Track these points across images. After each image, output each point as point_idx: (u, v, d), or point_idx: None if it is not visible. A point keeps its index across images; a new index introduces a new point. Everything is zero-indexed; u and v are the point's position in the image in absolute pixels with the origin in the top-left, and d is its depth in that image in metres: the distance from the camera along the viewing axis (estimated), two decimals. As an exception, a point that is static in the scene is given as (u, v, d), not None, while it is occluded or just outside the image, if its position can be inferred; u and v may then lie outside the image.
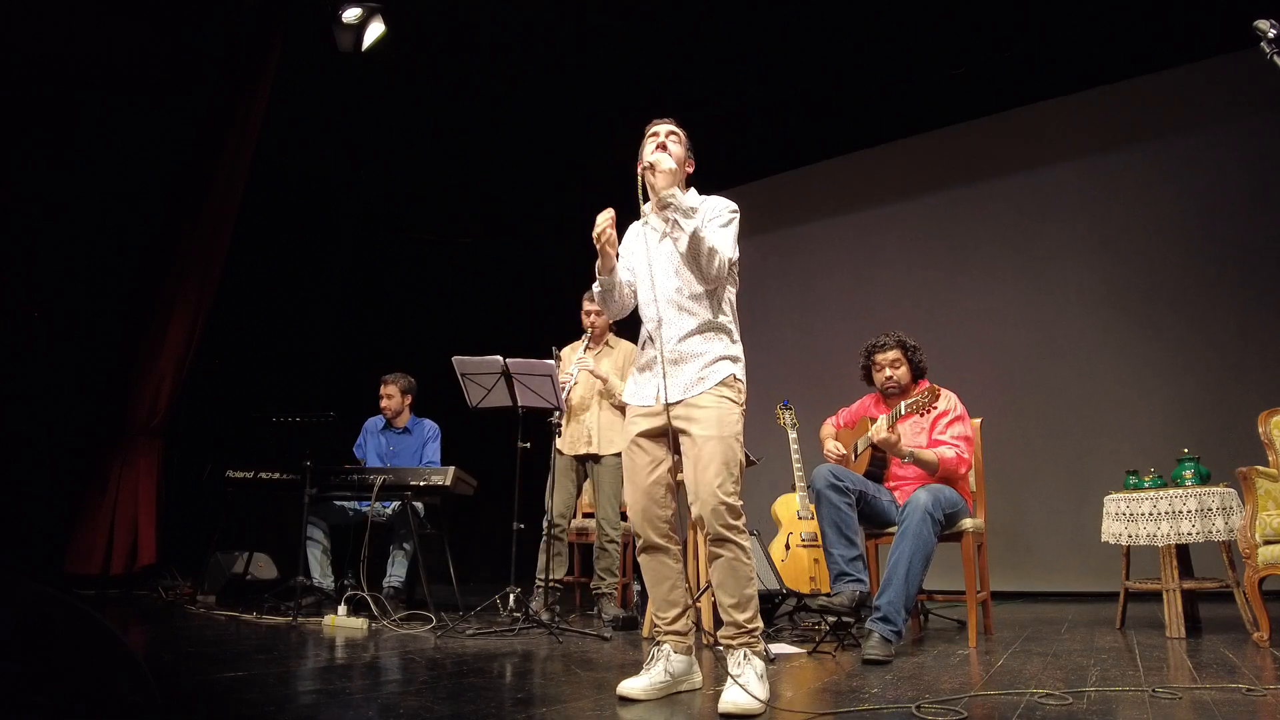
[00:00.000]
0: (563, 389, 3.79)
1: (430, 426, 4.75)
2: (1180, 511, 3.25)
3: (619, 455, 4.04)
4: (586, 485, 4.27)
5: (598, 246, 2.26)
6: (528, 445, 3.80)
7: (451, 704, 1.94)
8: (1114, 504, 3.48)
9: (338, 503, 4.36)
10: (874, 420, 3.21)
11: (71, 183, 5.00)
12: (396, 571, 4.36)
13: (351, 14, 4.92)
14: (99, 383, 4.87)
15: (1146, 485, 3.48)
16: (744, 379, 2.24)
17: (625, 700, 2.04)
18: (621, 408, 4.05)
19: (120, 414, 4.74)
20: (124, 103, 5.17)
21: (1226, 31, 4.63)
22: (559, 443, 4.03)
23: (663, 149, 2.28)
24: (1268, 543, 3.01)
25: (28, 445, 4.61)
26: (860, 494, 3.15)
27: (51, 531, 4.54)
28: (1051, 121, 5.66)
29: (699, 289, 2.23)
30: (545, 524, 3.95)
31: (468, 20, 5.16)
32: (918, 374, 3.47)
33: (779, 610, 3.78)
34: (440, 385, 4.34)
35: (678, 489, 2.27)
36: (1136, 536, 3.34)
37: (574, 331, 4.25)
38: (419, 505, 4.38)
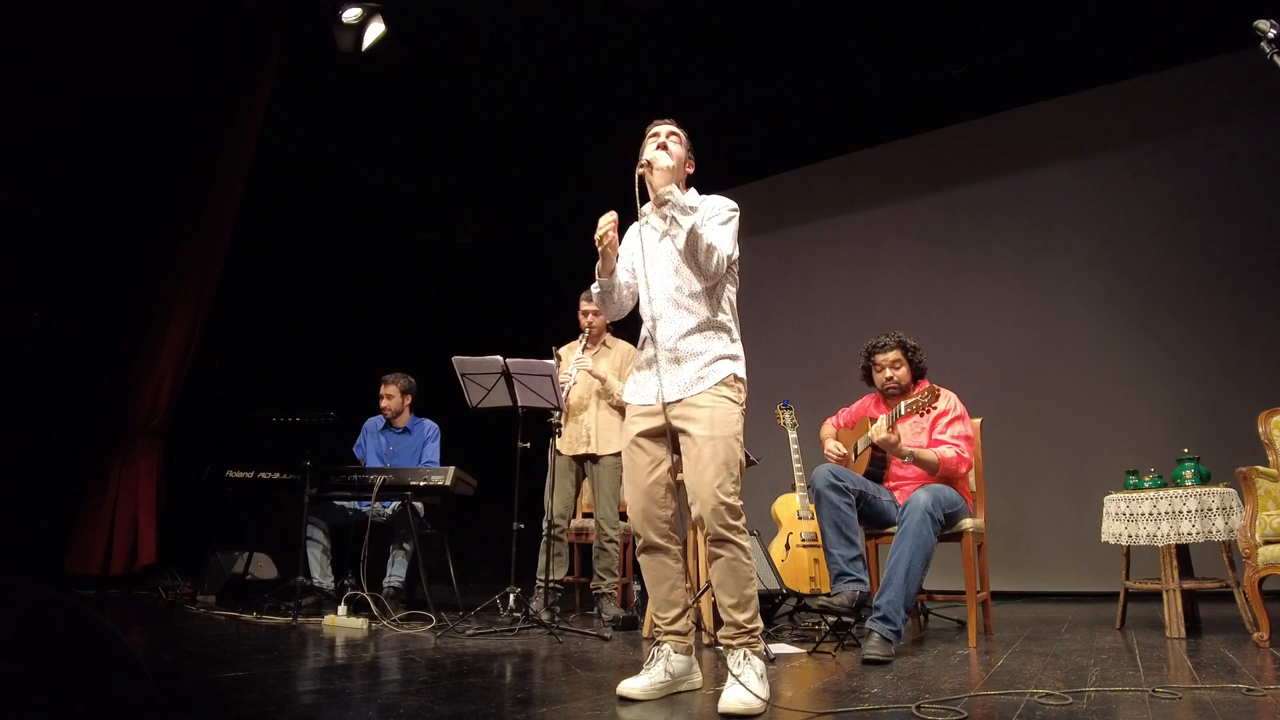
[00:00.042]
0: (562, 389, 3.79)
1: (430, 426, 4.75)
2: (1180, 511, 3.25)
3: (617, 455, 4.05)
4: (585, 485, 4.27)
5: (599, 249, 2.26)
6: (528, 445, 3.80)
7: (451, 704, 1.94)
8: (1114, 504, 3.48)
9: (338, 503, 4.36)
10: (874, 420, 3.21)
11: (71, 183, 5.00)
12: (396, 571, 4.36)
13: (351, 14, 4.92)
14: (99, 383, 4.87)
15: (1146, 485, 3.48)
16: (745, 378, 2.24)
17: (625, 700, 2.04)
18: (619, 408, 4.07)
19: (120, 414, 4.74)
20: (124, 103, 5.17)
21: (1226, 31, 4.63)
22: (558, 443, 4.03)
23: (663, 149, 2.29)
24: (1268, 543, 3.01)
25: (28, 445, 4.61)
26: (860, 494, 3.15)
27: (51, 531, 4.54)
28: (1051, 122, 5.66)
29: (698, 287, 2.23)
30: (545, 524, 3.96)
31: (468, 20, 5.16)
32: (918, 374, 3.47)
33: (779, 610, 3.78)
34: (440, 385, 4.34)
35: (678, 489, 2.27)
36: (1136, 536, 3.34)
37: (574, 331, 4.25)
38: (419, 505, 4.38)
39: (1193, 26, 4.97)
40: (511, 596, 3.63)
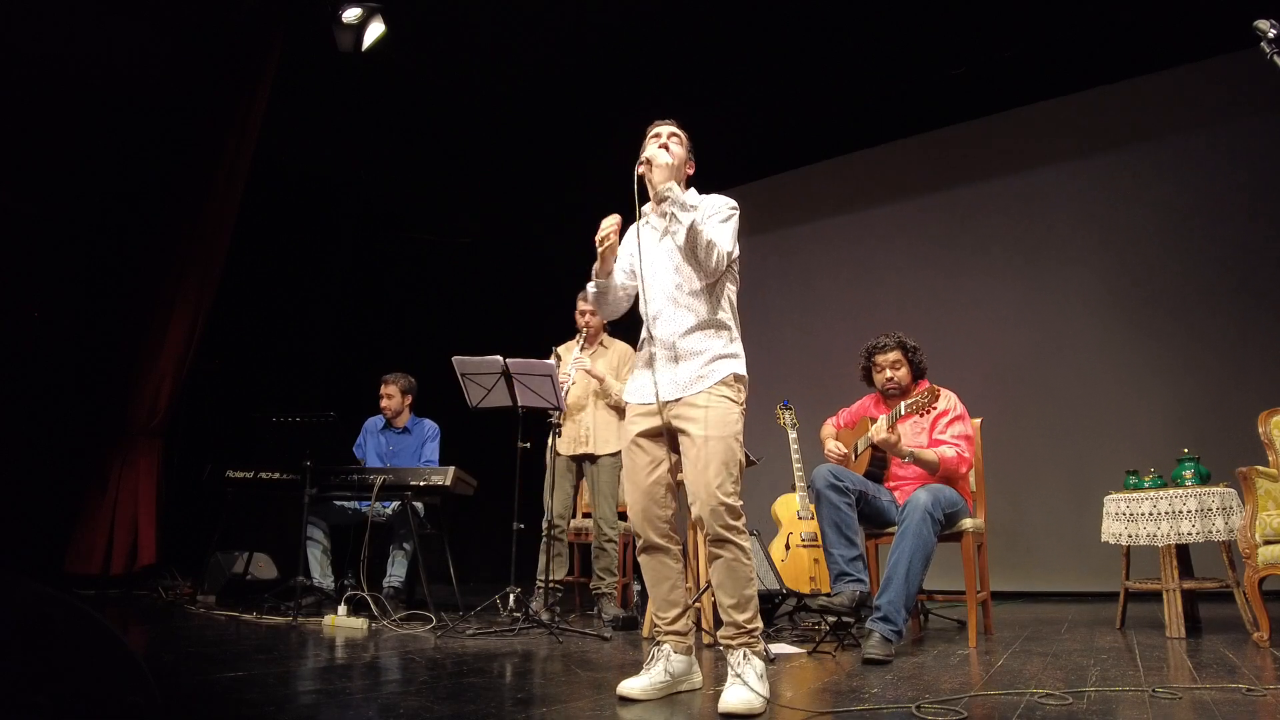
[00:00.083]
0: (561, 388, 3.79)
1: (430, 426, 4.75)
2: (1180, 511, 3.25)
3: (615, 455, 4.06)
4: (584, 485, 4.27)
5: (598, 249, 2.26)
6: (528, 445, 3.80)
7: (451, 704, 1.94)
8: (1114, 504, 3.48)
9: (338, 503, 4.36)
10: (874, 421, 3.21)
11: (71, 183, 5.00)
12: (396, 571, 4.36)
13: (351, 14, 4.92)
14: (99, 383, 4.87)
15: (1146, 485, 3.48)
16: (745, 376, 2.24)
17: (625, 700, 2.04)
18: (616, 407, 4.08)
19: (120, 414, 4.74)
20: (124, 103, 5.17)
21: (1226, 31, 4.63)
22: (557, 443, 4.03)
23: (664, 150, 2.29)
24: (1268, 543, 3.01)
25: (28, 445, 4.61)
26: (860, 494, 3.15)
27: (51, 531, 4.54)
28: (1051, 122, 5.66)
29: (698, 285, 2.23)
30: (545, 525, 3.96)
31: (468, 20, 5.16)
32: (918, 374, 3.47)
33: (779, 610, 3.78)
34: (440, 385, 4.34)
35: (678, 489, 2.26)
36: (1136, 536, 3.34)
37: (573, 331, 4.25)
38: (419, 505, 4.38)
39: (1193, 26, 4.97)
40: (511, 596, 3.63)
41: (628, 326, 2.81)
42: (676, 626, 2.23)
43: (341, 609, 3.53)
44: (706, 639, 3.08)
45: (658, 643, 2.22)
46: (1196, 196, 5.07)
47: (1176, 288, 5.06)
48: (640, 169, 2.25)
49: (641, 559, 2.27)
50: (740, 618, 2.08)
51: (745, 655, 2.04)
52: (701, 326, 2.22)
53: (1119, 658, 2.67)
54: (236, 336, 5.76)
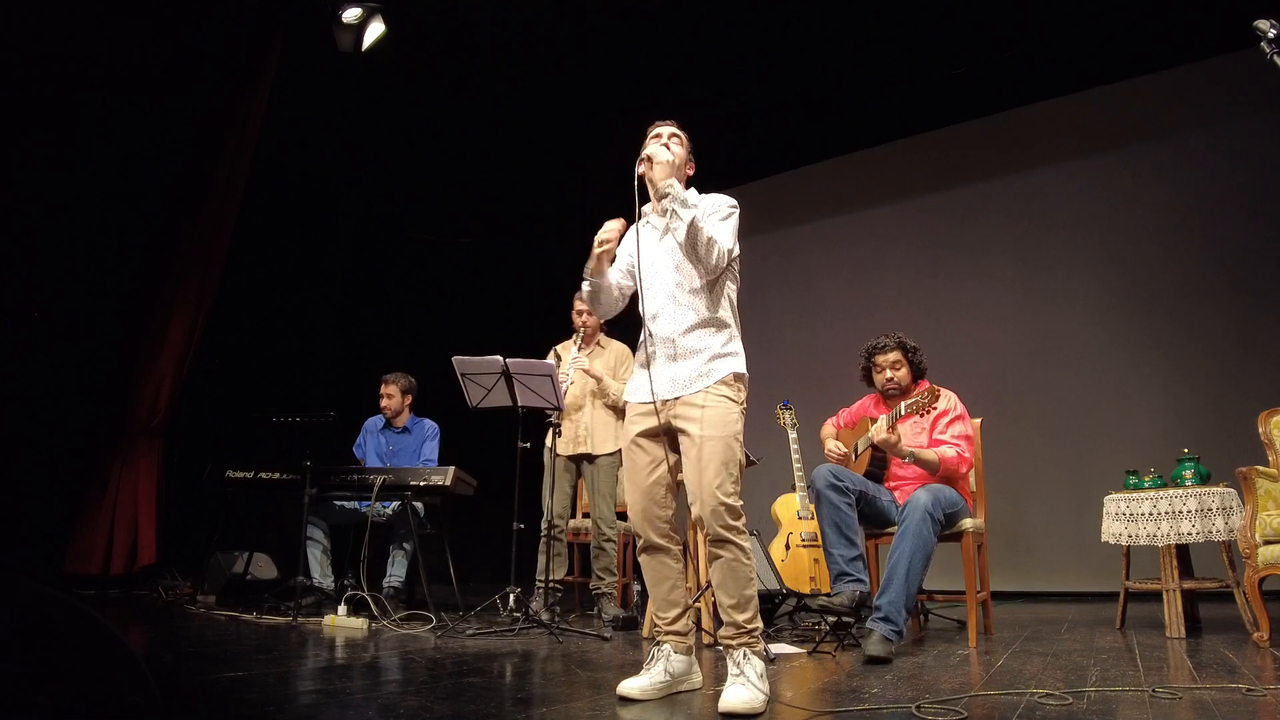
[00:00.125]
0: (560, 388, 3.79)
1: (430, 426, 4.76)
2: (1180, 511, 3.25)
3: (613, 454, 4.07)
4: (582, 485, 4.27)
5: (594, 250, 2.26)
6: (528, 445, 3.80)
7: (451, 704, 1.94)
8: (1114, 504, 3.48)
9: (338, 503, 4.36)
10: (874, 421, 3.21)
11: (71, 183, 5.00)
12: (396, 571, 4.36)
13: (351, 14, 4.91)
14: (99, 383, 4.87)
15: (1146, 485, 3.48)
16: (745, 374, 2.24)
17: (625, 700, 2.04)
18: (614, 407, 4.09)
19: (120, 414, 4.74)
20: (124, 103, 5.17)
21: (1226, 31, 4.63)
22: (556, 443, 4.04)
23: (665, 148, 2.29)
24: (1268, 543, 3.01)
25: (28, 445, 4.61)
26: (860, 494, 3.15)
27: (51, 531, 4.54)
28: (1051, 122, 5.66)
29: (698, 284, 2.23)
30: (544, 525, 3.96)
31: (468, 20, 5.16)
32: (918, 375, 3.47)
33: (779, 610, 3.78)
34: (440, 385, 4.34)
35: (678, 489, 2.26)
36: (1136, 536, 3.34)
37: (572, 331, 4.25)
38: (419, 505, 4.38)
39: (1193, 26, 4.97)
40: (511, 596, 3.63)
41: (626, 327, 2.81)
42: (676, 626, 2.23)
43: (341, 609, 3.53)
44: (706, 639, 3.08)
45: (658, 643, 2.22)
46: (1196, 196, 5.07)
47: (1176, 288, 5.06)
48: (641, 168, 2.25)
49: (642, 559, 2.27)
50: (740, 618, 2.08)
51: (745, 655, 2.04)
52: (702, 325, 2.21)
53: (1119, 658, 2.67)
54: (236, 336, 5.76)
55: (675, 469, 2.24)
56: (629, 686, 2.07)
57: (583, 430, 4.11)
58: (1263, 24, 2.12)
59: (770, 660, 2.61)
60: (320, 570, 4.27)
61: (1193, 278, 5.01)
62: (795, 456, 4.18)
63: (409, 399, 4.75)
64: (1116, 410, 5.10)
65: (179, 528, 4.93)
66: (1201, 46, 5.07)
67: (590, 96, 5.87)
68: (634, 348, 3.19)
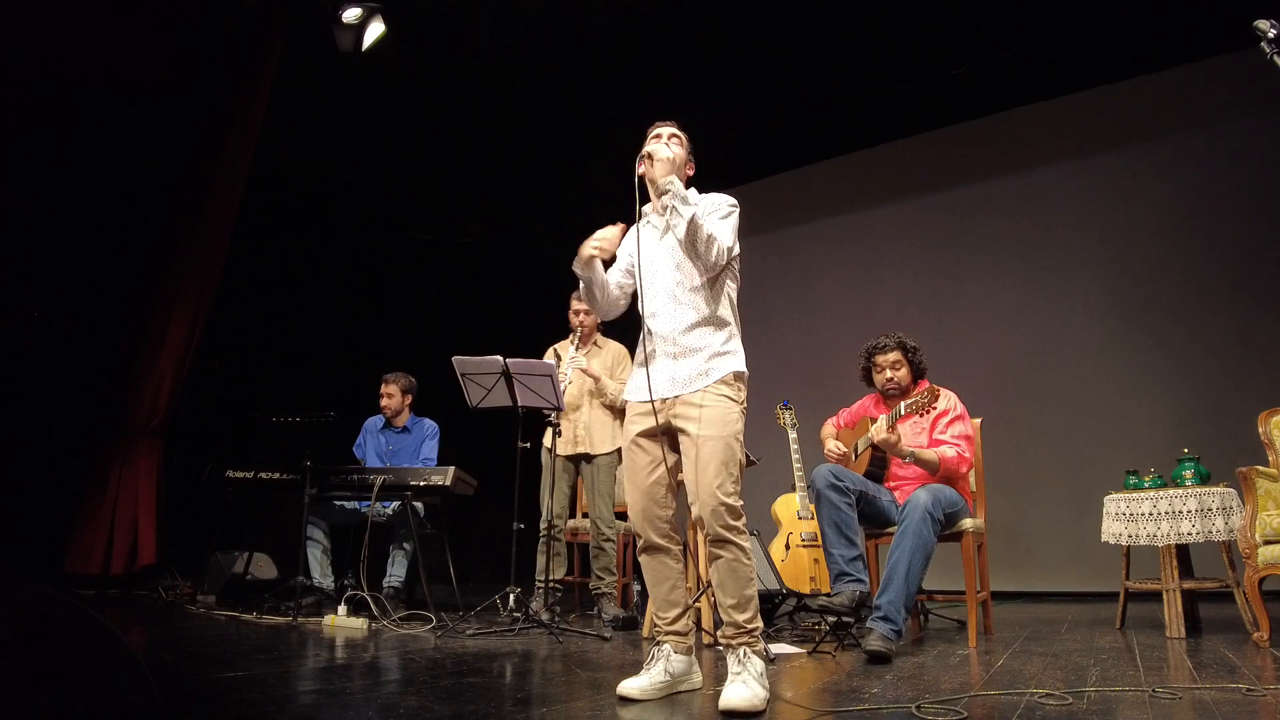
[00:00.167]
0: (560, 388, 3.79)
1: (430, 425, 4.76)
2: (1180, 511, 3.25)
3: (611, 454, 4.08)
4: (581, 485, 4.28)
5: (585, 251, 2.26)
6: (528, 445, 3.80)
7: (451, 704, 1.94)
8: (1114, 504, 3.48)
9: (338, 503, 4.36)
10: (874, 421, 3.21)
11: (71, 183, 5.00)
12: (396, 571, 4.36)
13: (351, 14, 4.91)
14: (99, 383, 4.87)
15: (1146, 485, 3.48)
16: (745, 373, 2.24)
17: (625, 700, 2.04)
18: (611, 407, 4.09)
19: (120, 414, 4.74)
20: (124, 103, 5.17)
21: (1226, 31, 4.63)
22: (550, 443, 4.04)
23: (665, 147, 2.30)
24: (1268, 543, 3.01)
25: (28, 445, 4.61)
26: (860, 494, 3.15)
27: (51, 531, 4.54)
28: (1051, 122, 5.66)
29: (698, 282, 2.23)
30: (544, 525, 3.96)
31: (468, 20, 5.15)
32: (918, 375, 3.48)
33: (779, 610, 3.78)
34: (440, 385, 4.34)
35: (678, 489, 2.26)
36: (1136, 536, 3.34)
37: (570, 331, 4.25)
38: (419, 505, 4.38)
39: (1193, 26, 4.97)
40: (511, 596, 3.63)
41: (623, 327, 2.80)
42: (677, 626, 2.22)
43: (341, 609, 3.53)
44: (706, 639, 3.08)
45: (658, 643, 2.22)
46: (1196, 196, 5.07)
47: (1176, 287, 5.06)
48: (641, 167, 2.26)
49: (642, 559, 2.27)
50: (740, 618, 2.08)
51: (745, 654, 2.04)
52: (702, 323, 2.22)
53: (1119, 658, 2.67)
54: (236, 336, 5.76)
55: (675, 469, 2.24)
56: (629, 686, 2.07)
57: (581, 430, 4.12)
58: (1263, 24, 2.12)
59: (770, 660, 2.61)
60: (320, 570, 4.27)
61: (1193, 278, 5.01)
62: (795, 456, 4.18)
63: (409, 399, 4.76)
64: (1116, 410, 5.10)
65: (179, 528, 4.93)
66: (1201, 46, 5.07)
67: (590, 96, 5.87)
68: (631, 348, 3.20)
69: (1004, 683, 2.22)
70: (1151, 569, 3.47)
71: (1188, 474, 3.43)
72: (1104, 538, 3.51)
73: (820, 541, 3.19)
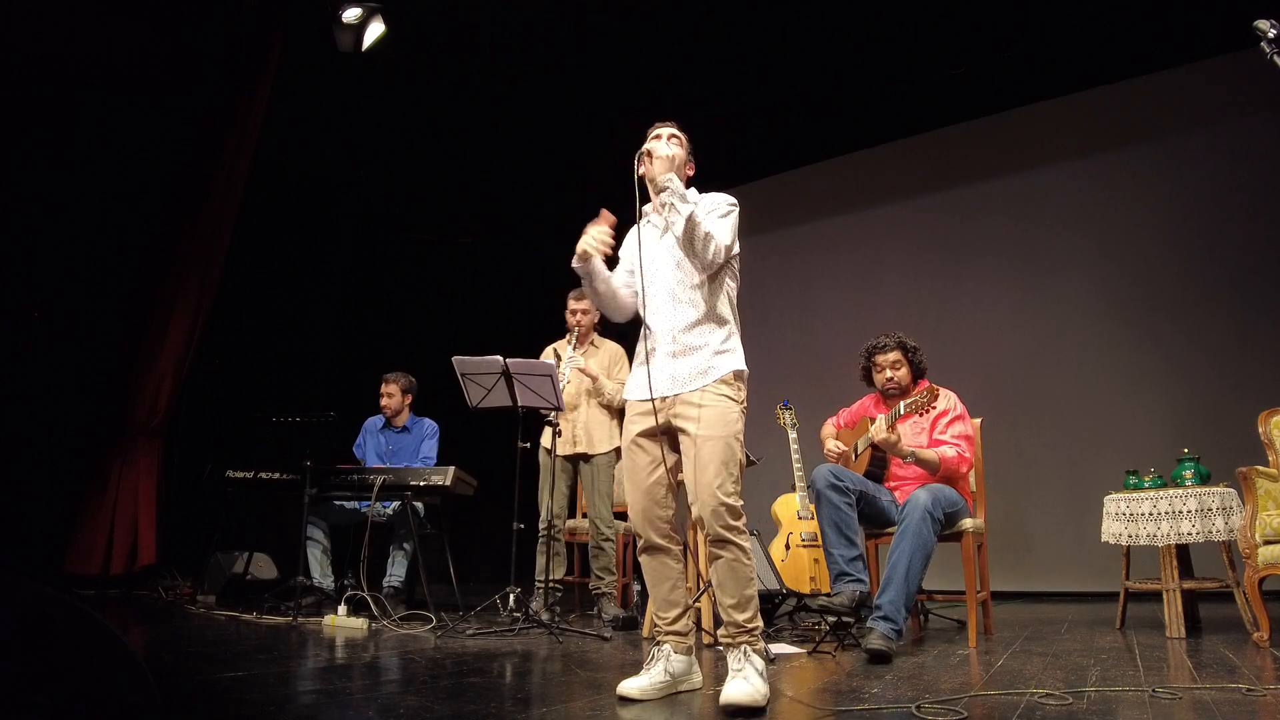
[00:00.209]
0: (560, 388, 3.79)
1: (429, 425, 4.76)
2: (1180, 511, 3.25)
3: (609, 454, 4.08)
4: (579, 484, 4.28)
5: (584, 244, 2.26)
6: (528, 445, 3.81)
7: (451, 704, 1.94)
8: (1114, 504, 3.48)
9: (337, 503, 4.36)
10: (874, 420, 3.21)
11: (71, 183, 5.00)
12: (396, 571, 4.36)
13: (351, 14, 4.91)
14: (99, 383, 4.87)
15: (1146, 485, 3.48)
16: (745, 371, 2.24)
17: (625, 700, 2.04)
18: (609, 406, 4.09)
19: (120, 414, 4.74)
20: (124, 103, 5.17)
21: (1226, 31, 4.63)
22: (549, 443, 4.03)
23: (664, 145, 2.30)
24: (1268, 543, 3.01)
25: (28, 445, 4.61)
26: (860, 494, 3.15)
27: (51, 531, 4.54)
28: (1051, 121, 5.66)
29: (698, 280, 2.23)
30: (543, 525, 3.96)
31: (468, 20, 5.15)
32: (918, 374, 3.47)
33: (779, 610, 3.79)
34: (440, 385, 4.34)
35: (678, 489, 2.26)
36: (1136, 536, 3.34)
37: (566, 331, 4.25)
38: (419, 505, 4.38)
39: (1193, 26, 4.97)
40: (511, 596, 3.63)
41: (621, 327, 2.80)
42: (677, 626, 2.22)
43: (341, 609, 3.53)
44: (706, 639, 3.08)
45: (658, 643, 2.22)
46: (1196, 196, 5.07)
47: (1177, 287, 5.06)
48: (641, 168, 2.26)
49: (642, 559, 2.27)
50: (741, 617, 2.09)
51: (745, 653, 2.04)
52: (702, 321, 2.22)
53: (1119, 658, 2.67)
54: (236, 336, 5.76)
55: (675, 469, 2.24)
56: (629, 686, 2.07)
57: (579, 430, 4.12)
58: (1263, 24, 2.12)
59: (770, 660, 2.61)
60: (320, 570, 4.27)
61: (1193, 278, 5.01)
62: (795, 456, 4.18)
63: (409, 398, 4.76)
64: (1116, 410, 5.10)
65: (179, 528, 4.93)
66: (1201, 46, 5.07)
67: (590, 96, 5.87)
68: (629, 348, 3.20)
69: (1004, 683, 2.22)
70: (1151, 569, 3.47)
71: (1188, 474, 3.43)
72: (1104, 538, 3.51)
73: (820, 541, 3.19)
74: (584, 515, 4.56)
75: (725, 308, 2.25)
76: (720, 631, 2.14)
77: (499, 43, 5.39)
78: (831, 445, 3.43)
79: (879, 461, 3.37)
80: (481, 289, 7.42)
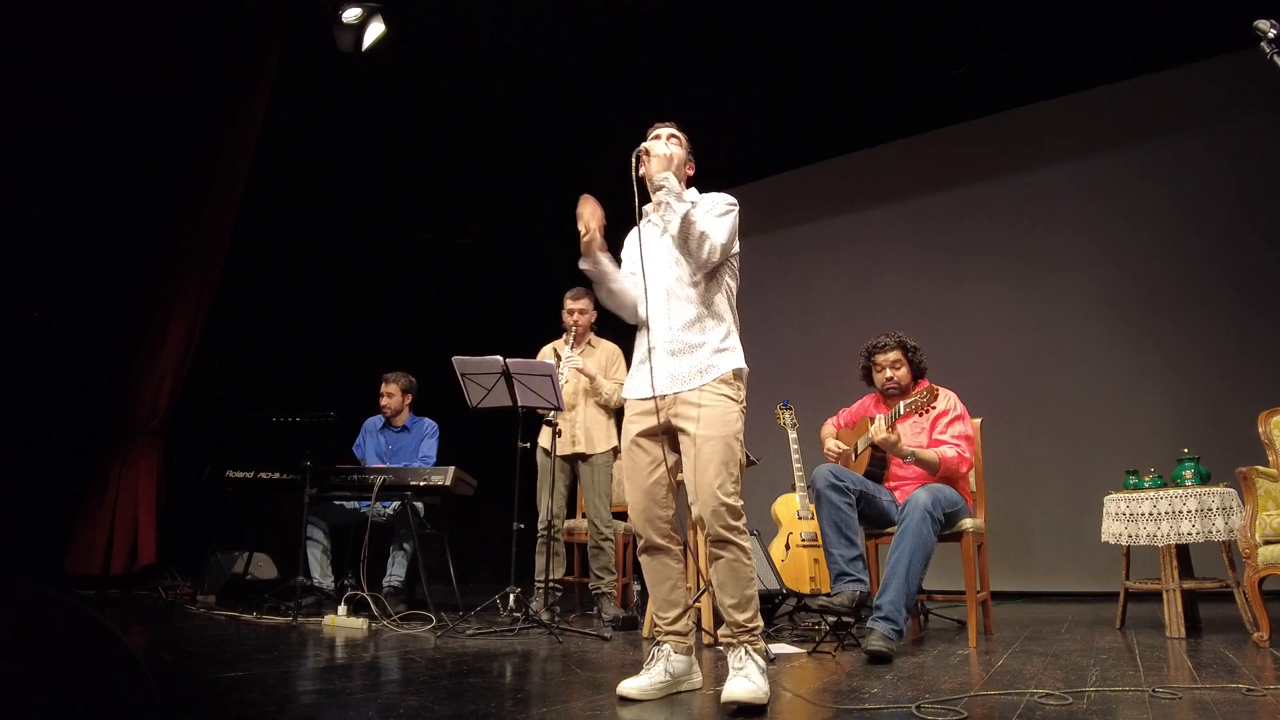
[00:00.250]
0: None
1: (429, 424, 4.76)
2: (1180, 511, 3.25)
3: (606, 453, 4.08)
4: (579, 485, 4.28)
5: (585, 239, 2.26)
6: (528, 445, 3.81)
7: (451, 704, 1.94)
8: (1114, 504, 3.48)
9: (337, 502, 4.36)
10: (874, 420, 3.21)
11: (71, 183, 5.00)
12: (396, 571, 4.36)
13: (351, 14, 4.91)
14: (99, 383, 4.87)
15: (1146, 485, 3.48)
16: (745, 369, 2.23)
17: (625, 700, 2.04)
18: (606, 406, 4.09)
19: (120, 414, 4.74)
20: (124, 103, 5.17)
21: (1226, 31, 4.63)
22: (547, 443, 4.03)
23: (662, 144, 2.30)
24: (1268, 543, 3.01)
25: (28, 445, 4.61)
26: (860, 494, 3.15)
27: (51, 531, 4.54)
28: (1051, 121, 5.66)
29: (697, 278, 2.23)
30: (543, 526, 3.96)
31: (468, 20, 5.15)
32: (918, 374, 3.47)
33: (779, 610, 3.78)
34: (440, 385, 4.34)
35: (678, 489, 2.26)
36: (1136, 536, 3.34)
37: (563, 331, 4.25)
38: (419, 505, 4.38)
39: (1193, 26, 4.97)
40: (511, 596, 3.63)
41: (618, 327, 2.79)
42: (677, 626, 2.22)
43: (341, 609, 3.53)
44: (707, 639, 3.08)
45: (658, 643, 2.22)
46: (1197, 197, 5.07)
47: (1177, 287, 5.06)
48: (642, 169, 2.25)
49: (642, 559, 2.27)
50: (741, 617, 2.09)
51: (746, 652, 2.04)
52: (700, 320, 2.22)
53: (1119, 658, 2.67)
54: (236, 336, 5.75)
55: (675, 469, 2.23)
56: (629, 686, 2.07)
57: (578, 430, 4.12)
58: (1263, 24, 2.12)
59: (770, 660, 2.61)
60: (320, 570, 4.27)
61: (1193, 277, 5.01)
62: (795, 456, 4.18)
63: (409, 398, 4.76)
64: (1116, 410, 5.10)
65: (179, 528, 4.93)
66: (1201, 46, 5.07)
67: (590, 96, 5.87)
68: (626, 348, 3.19)
69: (1004, 683, 2.22)
70: (1151, 569, 3.47)
71: (1188, 474, 3.43)
72: (1104, 538, 3.51)
73: (820, 541, 3.19)
74: (583, 515, 4.56)
75: (724, 306, 2.26)
76: (721, 631, 2.14)
77: (499, 43, 5.39)
78: (831, 445, 3.43)
79: (879, 461, 3.37)
80: (481, 289, 7.42)
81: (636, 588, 4.48)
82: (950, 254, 5.91)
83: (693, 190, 2.37)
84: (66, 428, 4.76)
